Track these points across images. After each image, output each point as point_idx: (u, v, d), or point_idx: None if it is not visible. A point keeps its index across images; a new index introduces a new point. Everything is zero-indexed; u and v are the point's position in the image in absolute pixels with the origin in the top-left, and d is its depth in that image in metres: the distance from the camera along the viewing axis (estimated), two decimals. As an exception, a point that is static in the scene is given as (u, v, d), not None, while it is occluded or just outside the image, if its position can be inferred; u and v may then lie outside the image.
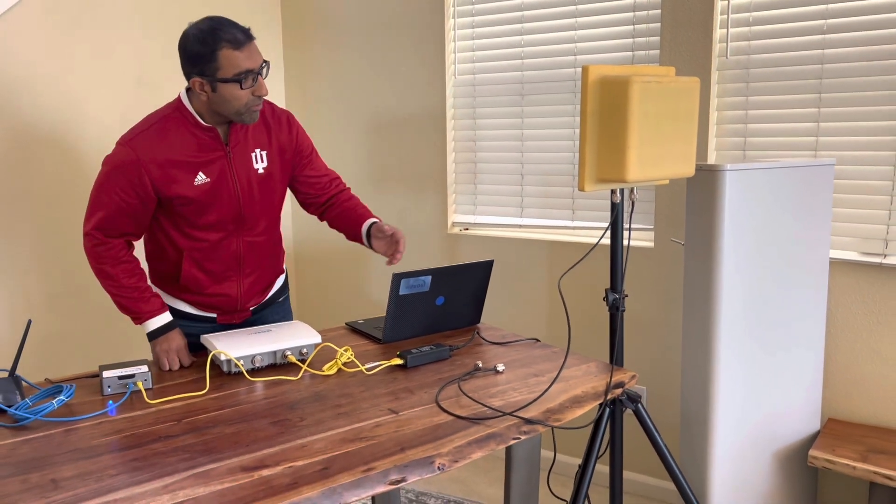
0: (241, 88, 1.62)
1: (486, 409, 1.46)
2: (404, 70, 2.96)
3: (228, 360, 1.64)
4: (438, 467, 1.27)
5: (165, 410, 1.47)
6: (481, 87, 2.82)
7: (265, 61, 1.67)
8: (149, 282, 1.81)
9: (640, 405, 1.75)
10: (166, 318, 1.75)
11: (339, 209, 1.98)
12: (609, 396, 1.60)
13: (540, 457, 1.78)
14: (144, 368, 1.59)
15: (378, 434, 1.35)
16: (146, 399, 1.52)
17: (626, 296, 1.82)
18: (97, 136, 2.64)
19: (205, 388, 1.58)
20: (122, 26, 2.67)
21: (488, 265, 1.98)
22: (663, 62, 2.41)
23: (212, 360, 1.74)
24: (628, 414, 2.63)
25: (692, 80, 1.61)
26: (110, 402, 1.51)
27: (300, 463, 1.23)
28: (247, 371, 1.67)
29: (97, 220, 1.69)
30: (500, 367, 1.67)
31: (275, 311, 2.01)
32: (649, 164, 1.58)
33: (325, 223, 2.80)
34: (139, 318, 1.74)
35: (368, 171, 3.13)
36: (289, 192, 3.38)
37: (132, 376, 1.56)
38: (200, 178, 1.69)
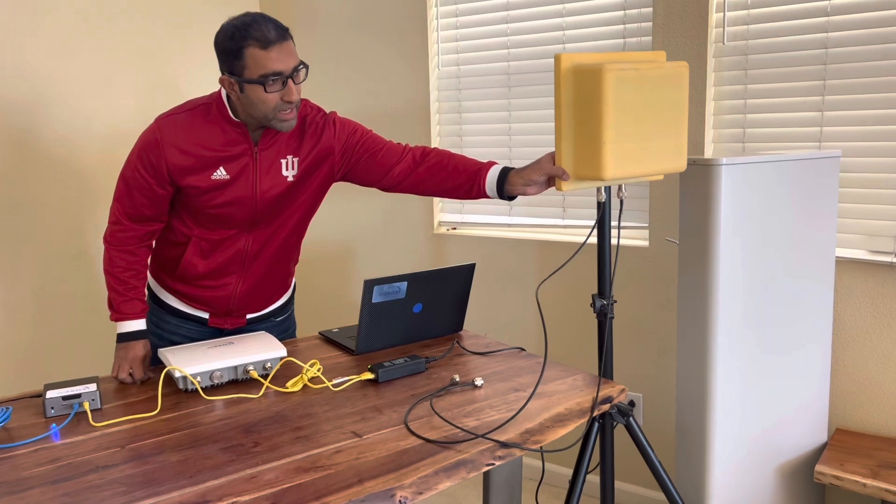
0: (266, 91, 1.50)
1: (458, 431, 1.33)
2: (386, 62, 2.83)
3: (184, 377, 1.52)
4: (400, 501, 1.14)
5: (110, 434, 1.35)
6: (466, 79, 2.69)
7: (301, 64, 1.53)
8: (145, 286, 1.73)
9: (631, 419, 1.62)
10: (139, 325, 1.66)
11: (434, 159, 1.70)
12: (596, 413, 1.48)
13: (521, 480, 1.66)
14: (92, 388, 1.47)
15: (336, 462, 1.22)
16: (91, 422, 1.40)
17: (615, 301, 1.69)
18: (65, 135, 2.52)
19: (156, 409, 1.46)
20: (124, 20, 2.55)
21: (469, 269, 1.85)
22: (655, 49, 2.27)
23: (168, 377, 1.62)
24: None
25: (679, 66, 1.47)
26: (53, 425, 1.39)
27: (246, 498, 1.11)
28: (206, 388, 1.55)
29: (118, 195, 1.66)
30: (479, 382, 1.55)
31: (272, 327, 1.90)
32: (630, 160, 1.44)
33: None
34: (114, 315, 1.67)
35: (352, 168, 3.00)
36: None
37: (78, 396, 1.45)
38: (220, 173, 1.61)
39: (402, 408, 1.44)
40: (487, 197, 1.68)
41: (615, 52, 1.51)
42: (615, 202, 2.44)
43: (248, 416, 1.42)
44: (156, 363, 1.80)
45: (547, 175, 1.56)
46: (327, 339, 1.91)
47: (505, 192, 1.63)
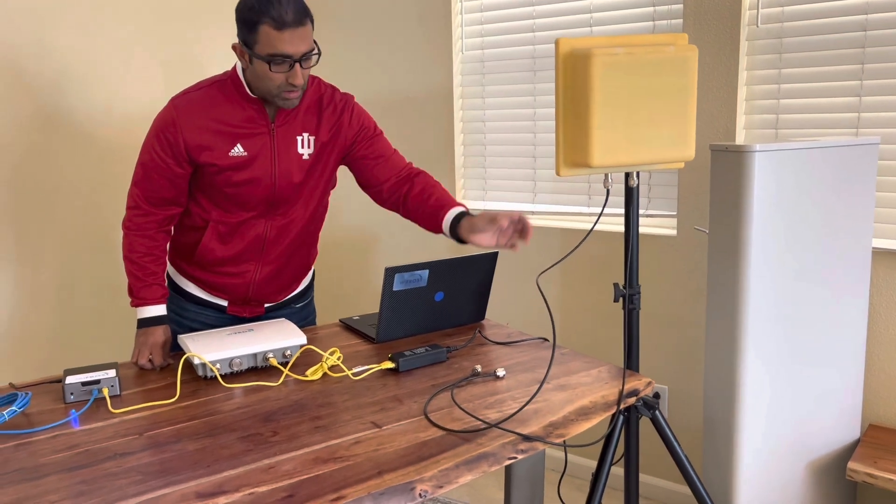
0: (271, 70, 1.49)
1: (480, 422, 1.30)
2: (408, 46, 2.79)
3: (203, 364, 1.51)
4: (420, 494, 1.11)
5: (129, 421, 1.34)
6: (491, 63, 2.63)
7: (312, 51, 1.52)
8: (165, 271, 1.72)
9: (657, 412, 1.58)
10: (159, 311, 1.65)
11: (417, 190, 1.72)
12: (622, 406, 1.44)
13: (544, 473, 1.63)
14: (112, 374, 1.46)
15: (355, 453, 1.20)
16: (110, 408, 1.39)
17: (639, 293, 1.64)
18: (88, 115, 2.51)
19: (175, 396, 1.45)
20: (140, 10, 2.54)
21: (492, 258, 1.82)
22: (687, 32, 2.20)
23: (187, 363, 1.61)
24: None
25: (685, 50, 1.42)
26: (73, 411, 1.39)
27: (263, 489, 1.09)
28: (225, 375, 1.54)
29: (136, 179, 1.64)
30: (501, 373, 1.51)
31: (292, 314, 1.88)
32: (622, 147, 1.41)
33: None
34: (134, 301, 1.66)
35: (374, 154, 2.97)
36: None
37: (97, 382, 1.44)
38: (237, 150, 1.60)
39: (423, 398, 1.42)
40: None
41: (623, 36, 1.46)
42: (601, 192, 2.38)
43: (267, 404, 1.40)
44: (175, 349, 1.79)
45: (492, 221, 1.53)
46: (348, 326, 1.89)
47: (458, 235, 1.63)
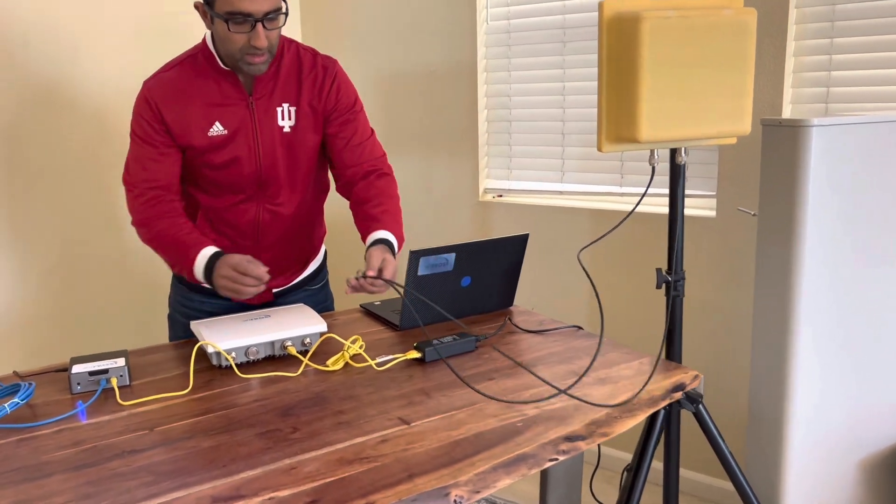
0: (230, 31, 1.37)
1: (516, 419, 1.20)
2: (429, 16, 2.65)
3: (218, 353, 1.42)
4: (455, 501, 1.02)
5: (139, 415, 1.25)
6: (517, 34, 2.50)
7: (277, 11, 1.39)
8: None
9: (701, 406, 1.47)
10: (212, 249, 1.47)
11: (362, 194, 1.60)
12: (668, 401, 1.33)
13: (581, 474, 1.53)
14: (121, 362, 1.37)
15: (383, 453, 1.10)
16: (118, 400, 1.30)
17: (683, 279, 1.53)
18: (95, 91, 2.42)
19: (188, 387, 1.35)
20: (120, -27, 2.43)
21: (522, 240, 1.71)
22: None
23: (201, 352, 1.52)
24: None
25: (744, 13, 1.29)
26: (80, 402, 1.30)
27: (284, 493, 1.00)
28: (240, 364, 1.44)
29: (131, 173, 1.52)
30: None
31: (307, 298, 1.77)
32: (673, 120, 1.28)
33: None
34: (188, 263, 1.47)
35: (388, 131, 2.85)
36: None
37: (105, 372, 1.35)
38: (216, 128, 1.48)
39: (452, 391, 1.32)
40: None
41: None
42: (645, 171, 2.26)
43: (286, 396, 1.31)
44: (188, 336, 1.70)
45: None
46: (369, 312, 1.79)
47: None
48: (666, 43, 1.24)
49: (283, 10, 1.41)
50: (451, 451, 1.11)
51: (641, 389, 1.31)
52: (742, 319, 2.19)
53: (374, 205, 1.57)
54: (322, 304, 1.83)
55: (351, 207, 1.65)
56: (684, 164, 1.44)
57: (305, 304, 1.78)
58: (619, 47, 1.28)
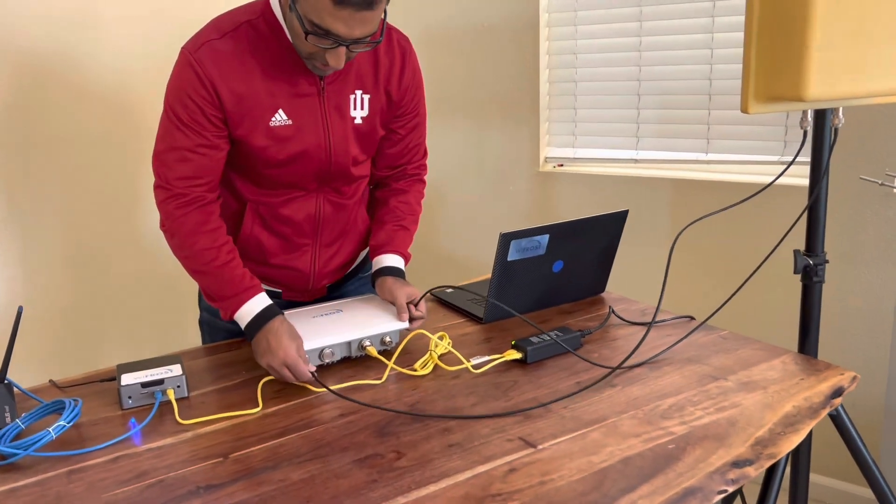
0: (306, 40, 1.11)
1: (664, 437, 0.99)
2: (484, -33, 2.40)
3: (288, 357, 1.21)
4: (623, 555, 0.82)
5: (205, 437, 1.05)
6: (584, -15, 2.24)
7: (368, 39, 1.12)
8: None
9: (840, 407, 1.27)
10: (263, 301, 1.23)
11: (393, 202, 1.44)
12: (828, 409, 1.12)
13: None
14: (177, 370, 1.17)
15: (517, 488, 0.90)
16: (177, 418, 1.10)
17: (827, 261, 1.31)
18: (115, 69, 2.18)
19: (258, 407, 1.14)
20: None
21: (621, 217, 1.50)
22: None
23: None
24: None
25: None
26: (132, 420, 1.10)
27: (409, 548, 0.80)
28: (315, 368, 1.23)
29: (166, 162, 1.22)
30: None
31: (359, 287, 1.54)
32: (845, 74, 1.06)
33: None
34: (227, 303, 1.23)
35: (438, 95, 2.60)
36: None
37: (160, 382, 1.14)
38: (279, 118, 1.22)
39: (572, 402, 1.11)
40: None
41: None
42: (736, 135, 2.01)
43: (377, 410, 1.10)
44: (227, 338, 1.45)
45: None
46: (441, 301, 1.58)
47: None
48: (842, -23, 1.01)
49: (380, 36, 1.15)
50: (598, 483, 0.90)
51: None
52: (872, 305, 1.96)
53: (397, 217, 1.43)
54: (373, 292, 1.60)
55: (375, 193, 1.48)
56: (836, 128, 1.21)
57: (362, 293, 1.56)
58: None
